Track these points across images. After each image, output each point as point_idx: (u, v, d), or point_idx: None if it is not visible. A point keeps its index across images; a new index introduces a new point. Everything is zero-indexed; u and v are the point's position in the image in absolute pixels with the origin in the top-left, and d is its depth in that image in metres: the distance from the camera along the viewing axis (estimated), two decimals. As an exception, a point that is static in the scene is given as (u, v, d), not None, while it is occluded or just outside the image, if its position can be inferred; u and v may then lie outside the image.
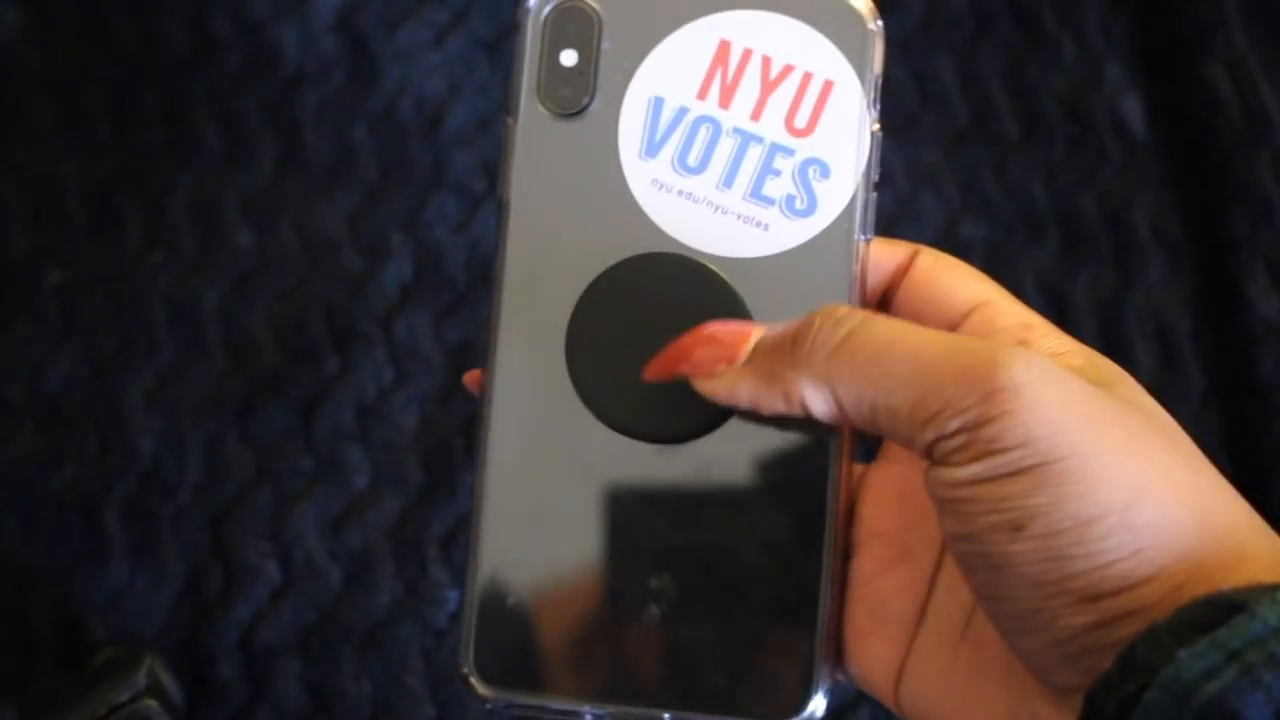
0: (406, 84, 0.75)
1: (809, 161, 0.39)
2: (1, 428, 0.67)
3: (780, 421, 0.38)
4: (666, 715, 0.37)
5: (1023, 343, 0.37)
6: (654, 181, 0.39)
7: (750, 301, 0.39)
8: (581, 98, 0.39)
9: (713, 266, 0.39)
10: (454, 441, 0.68)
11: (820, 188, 0.39)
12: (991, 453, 0.32)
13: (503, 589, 0.38)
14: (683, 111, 0.39)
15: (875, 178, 0.40)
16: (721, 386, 0.37)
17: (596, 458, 0.38)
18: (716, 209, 0.39)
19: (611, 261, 0.39)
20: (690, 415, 0.38)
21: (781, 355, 0.35)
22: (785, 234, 0.39)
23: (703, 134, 0.39)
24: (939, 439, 0.33)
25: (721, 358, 0.37)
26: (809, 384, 0.35)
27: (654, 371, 0.38)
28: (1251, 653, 0.29)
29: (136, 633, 0.65)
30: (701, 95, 0.39)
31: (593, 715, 0.38)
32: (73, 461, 0.67)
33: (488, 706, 0.38)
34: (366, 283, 0.71)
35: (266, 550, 0.66)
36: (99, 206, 0.72)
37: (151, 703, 0.59)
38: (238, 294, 0.70)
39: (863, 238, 0.39)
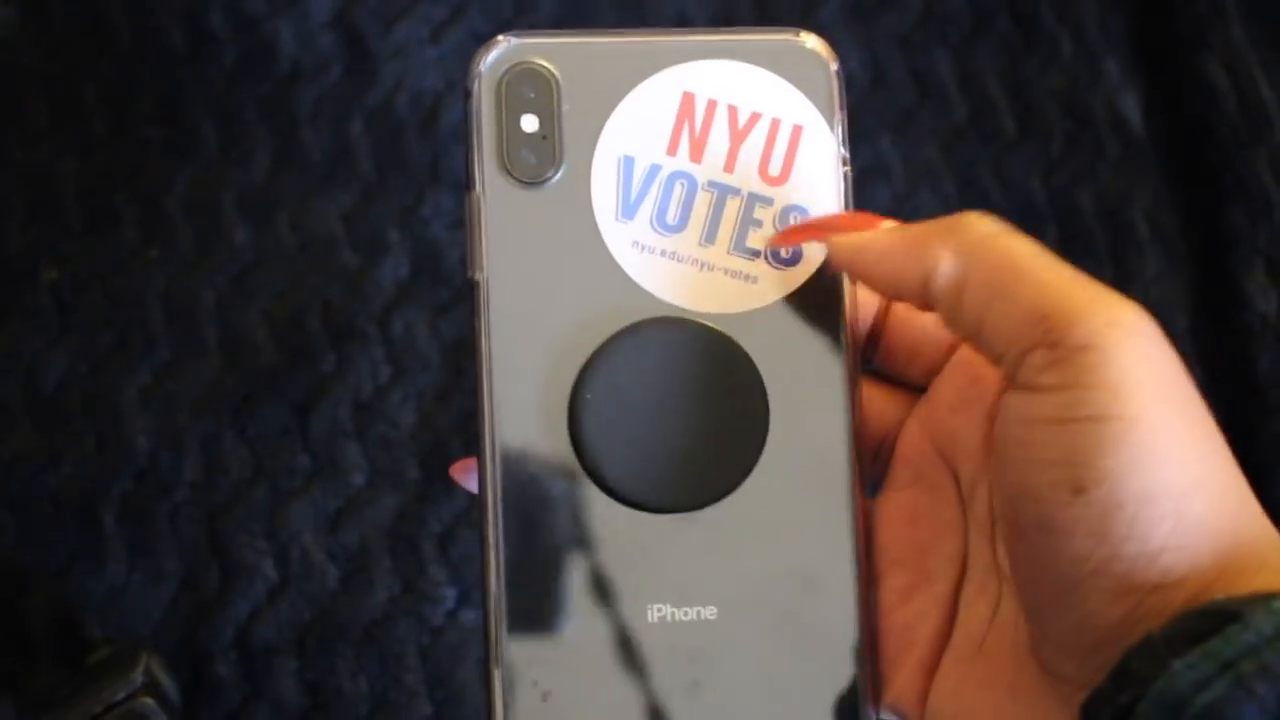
0: (403, 80, 0.75)
1: (789, 209, 0.39)
2: (-3, 426, 0.67)
3: (796, 475, 0.38)
4: None
5: None
6: (634, 244, 0.38)
7: (755, 354, 0.38)
8: (548, 165, 0.38)
9: (710, 324, 0.38)
10: (451, 439, 0.68)
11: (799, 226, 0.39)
12: (1079, 384, 0.32)
13: (526, 679, 0.37)
14: (655, 169, 0.38)
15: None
16: (854, 243, 0.37)
17: (610, 534, 0.37)
18: (702, 266, 0.38)
19: (604, 331, 0.38)
20: (704, 483, 0.37)
21: (927, 234, 0.35)
22: (774, 284, 0.38)
23: (678, 190, 0.38)
24: (1037, 346, 0.33)
25: (870, 221, 0.37)
26: (950, 257, 0.35)
27: (782, 238, 0.38)
28: (1245, 663, 0.29)
29: (133, 631, 0.64)
30: (671, 151, 0.38)
31: None
32: (69, 460, 0.67)
33: None
34: (363, 280, 0.71)
35: (263, 548, 0.66)
36: (95, 203, 0.71)
37: (148, 701, 0.59)
38: (234, 291, 0.70)
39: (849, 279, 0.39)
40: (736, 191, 0.39)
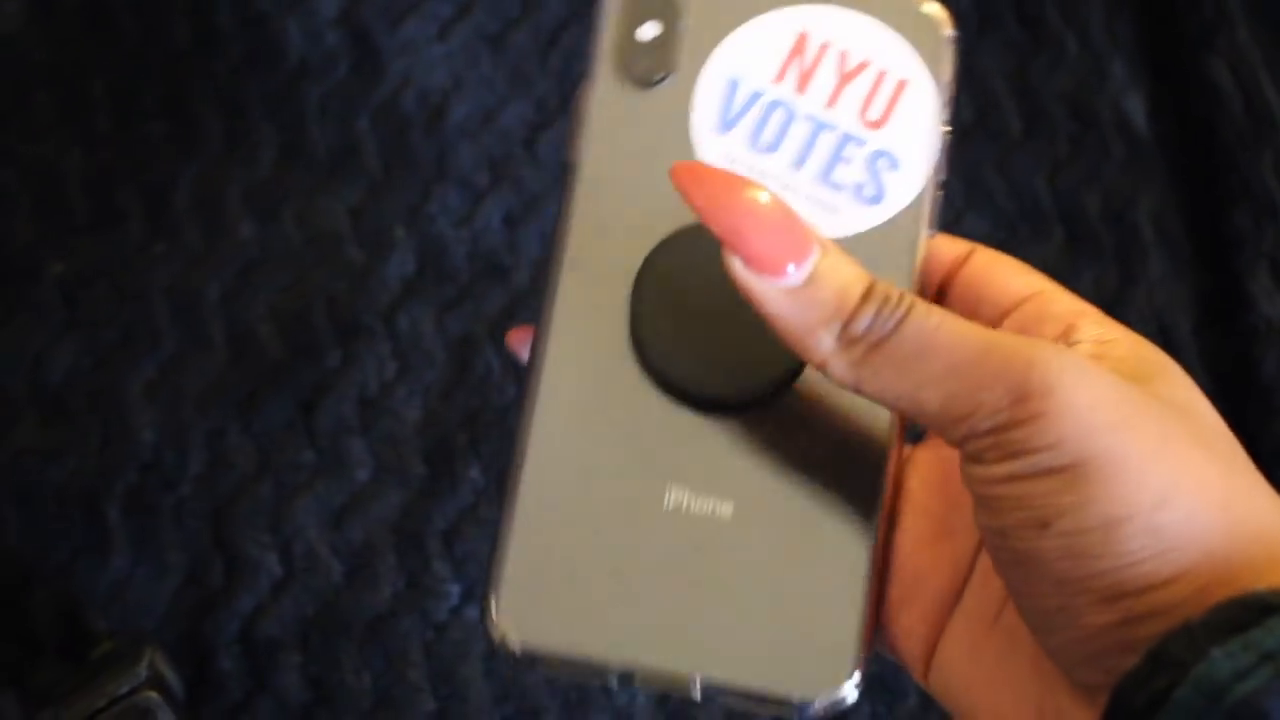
0: (410, 77, 0.75)
1: (879, 153, 0.40)
2: (2, 419, 0.67)
3: (840, 396, 0.38)
4: (698, 678, 0.36)
5: (1070, 329, 0.37)
6: (726, 156, 0.39)
7: None
8: (659, 71, 0.40)
9: None
10: (456, 435, 0.68)
11: (889, 179, 0.39)
12: (1022, 453, 0.32)
13: (537, 536, 0.37)
14: (758, 94, 0.40)
15: (942, 178, 0.40)
16: (756, 291, 0.34)
17: (648, 416, 0.38)
18: (787, 188, 0.39)
19: (681, 225, 0.39)
20: (753, 381, 0.38)
21: (824, 316, 0.34)
22: (854, 219, 0.39)
23: (777, 116, 0.39)
24: (970, 437, 0.33)
25: (775, 260, 0.34)
26: (841, 364, 0.34)
27: (695, 187, 0.35)
28: None
29: (137, 625, 0.64)
30: (778, 79, 0.40)
31: (619, 675, 0.36)
32: (74, 454, 0.67)
33: (513, 653, 0.36)
34: (369, 276, 0.71)
35: (267, 543, 0.66)
36: (101, 198, 0.71)
37: (152, 695, 0.59)
38: (240, 286, 0.70)
39: (927, 232, 0.39)
40: (833, 128, 0.39)
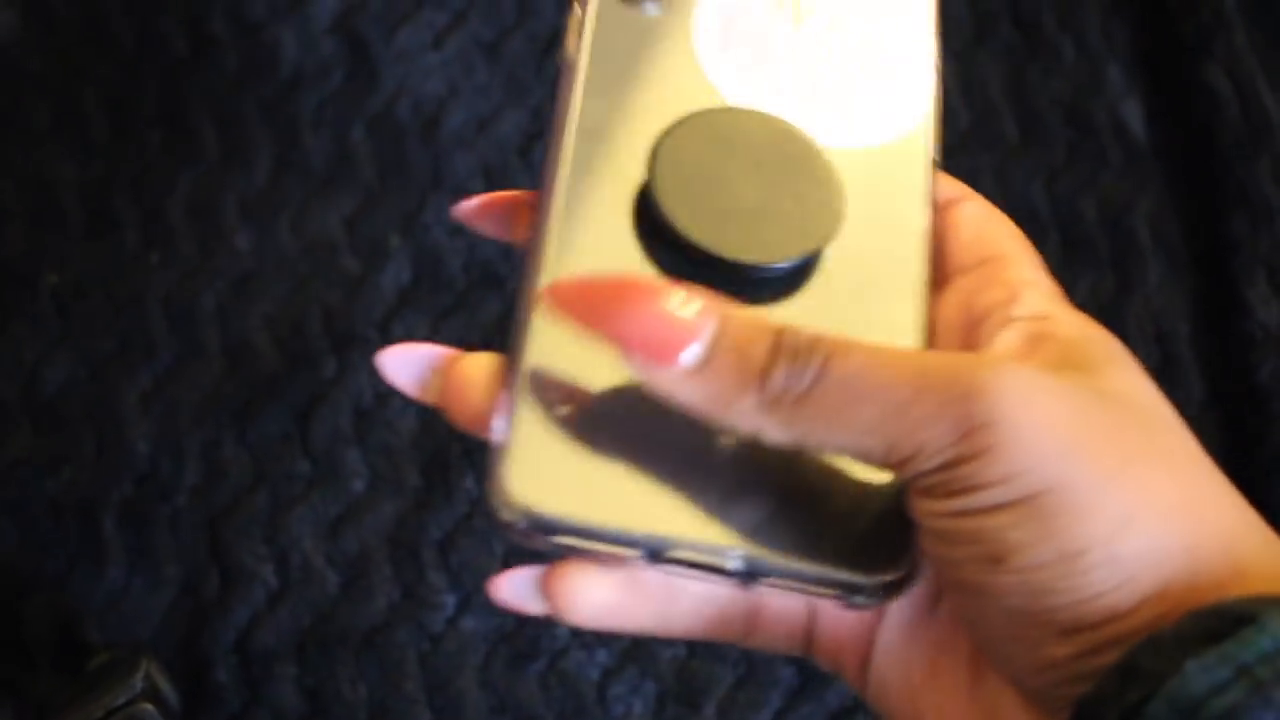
0: (405, 86, 0.75)
1: (885, 68, 0.39)
2: (-2, 430, 0.67)
3: (862, 272, 0.36)
4: (738, 553, 0.32)
5: (1011, 298, 0.35)
6: (731, 67, 0.39)
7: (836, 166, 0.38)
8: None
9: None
10: (452, 445, 0.68)
11: (896, 95, 0.39)
12: (971, 489, 0.31)
13: (550, 404, 0.33)
14: (762, 6, 0.40)
15: (940, 100, 0.40)
16: (660, 384, 0.32)
17: (672, 264, 0.36)
18: (794, 97, 0.39)
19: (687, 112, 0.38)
20: (782, 250, 0.36)
21: (736, 385, 0.32)
22: (863, 131, 0.39)
23: (781, 28, 0.39)
24: (917, 476, 0.31)
25: (664, 351, 0.31)
26: (772, 427, 0.32)
27: (572, 306, 0.33)
28: (1261, 669, 0.28)
29: (133, 636, 0.64)
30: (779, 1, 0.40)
31: (646, 551, 0.32)
32: (69, 464, 0.67)
33: (519, 526, 0.32)
34: (364, 285, 0.71)
35: (263, 554, 0.66)
36: (96, 208, 0.71)
37: (148, 706, 0.59)
38: (235, 297, 0.70)
39: (934, 147, 0.39)
40: (838, 40, 0.39)
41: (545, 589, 0.35)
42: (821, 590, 0.33)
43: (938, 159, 0.39)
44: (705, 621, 0.36)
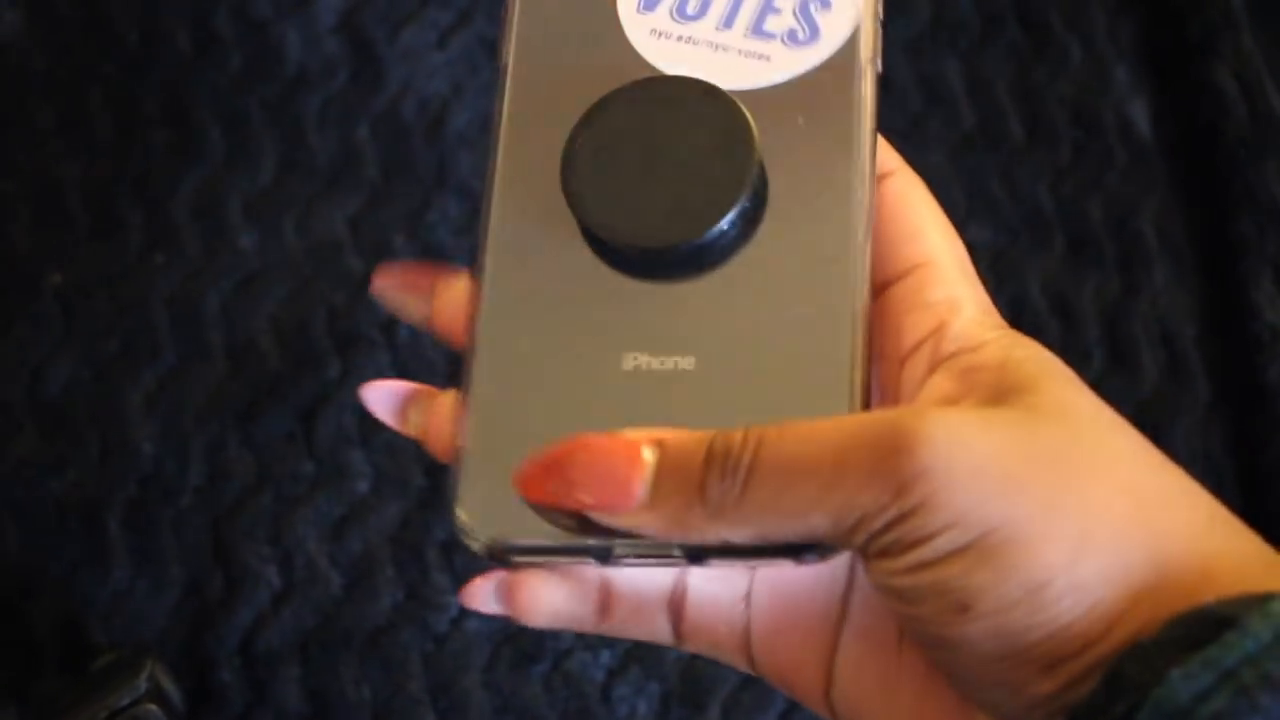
0: (410, 85, 0.75)
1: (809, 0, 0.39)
2: (1, 431, 0.67)
3: (796, 244, 0.37)
4: (677, 550, 0.34)
5: (940, 329, 0.35)
6: (652, 31, 0.39)
7: (759, 125, 0.37)
8: None
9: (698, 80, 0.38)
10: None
11: (823, 18, 0.39)
12: (922, 541, 0.31)
13: (495, 425, 0.36)
14: None
15: (882, 15, 0.39)
16: (629, 526, 0.33)
17: (593, 282, 0.37)
18: (717, 48, 0.39)
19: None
20: (681, 220, 0.36)
21: (685, 503, 0.32)
22: (787, 63, 0.38)
23: None
24: (868, 541, 0.31)
25: (619, 500, 0.33)
26: (729, 530, 0.32)
27: (534, 492, 0.34)
28: (1245, 672, 0.28)
29: (137, 637, 0.64)
30: None
31: (596, 556, 0.35)
32: (73, 465, 0.67)
33: (483, 553, 0.35)
34: (369, 285, 0.71)
35: (267, 555, 0.66)
36: (100, 208, 0.71)
37: (152, 707, 0.59)
38: (240, 297, 0.70)
39: (874, 69, 0.38)
40: None
41: (504, 596, 0.37)
42: (761, 559, 0.34)
43: (880, 70, 0.39)
44: (638, 623, 0.38)
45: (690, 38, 0.39)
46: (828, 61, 0.38)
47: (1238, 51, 0.76)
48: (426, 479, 0.68)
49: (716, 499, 0.32)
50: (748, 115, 0.37)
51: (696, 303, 0.36)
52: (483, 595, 0.38)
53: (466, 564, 0.66)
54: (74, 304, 0.70)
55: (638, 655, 0.66)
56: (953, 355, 0.35)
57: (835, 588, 0.37)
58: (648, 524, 0.33)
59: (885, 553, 0.31)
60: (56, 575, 0.65)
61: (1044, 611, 0.30)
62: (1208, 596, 0.30)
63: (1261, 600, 0.29)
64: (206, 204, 0.72)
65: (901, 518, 0.31)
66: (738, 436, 0.32)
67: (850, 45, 0.38)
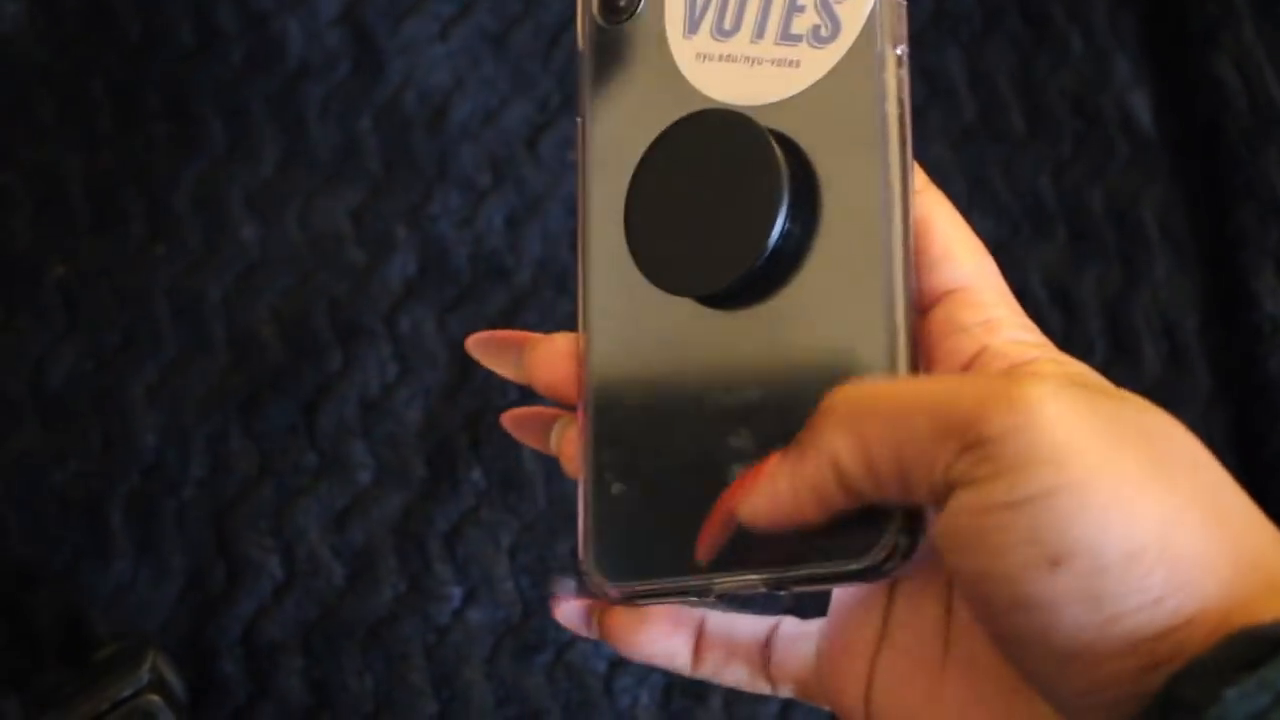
0: (411, 77, 0.75)
1: None
2: (3, 423, 0.67)
3: (829, 270, 0.37)
4: (761, 577, 0.37)
5: (980, 354, 0.35)
6: (699, 55, 0.40)
7: (797, 139, 0.38)
8: (633, 4, 0.41)
9: (747, 114, 0.39)
10: (458, 437, 0.68)
11: (842, 9, 0.39)
12: (1015, 469, 0.30)
13: (609, 479, 0.39)
14: None
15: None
16: (762, 497, 0.35)
17: (664, 327, 0.39)
18: (753, 62, 0.39)
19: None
20: (724, 265, 0.38)
21: (804, 451, 0.34)
22: (814, 65, 0.39)
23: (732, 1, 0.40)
24: (962, 452, 0.31)
25: (748, 483, 0.36)
26: (840, 443, 0.33)
27: (707, 549, 0.37)
28: None
29: (139, 628, 0.64)
30: None
31: (696, 595, 0.38)
32: (75, 457, 0.67)
33: (609, 596, 0.39)
34: (370, 277, 0.71)
35: (269, 546, 0.66)
36: (102, 200, 0.71)
37: (154, 698, 0.59)
38: (241, 289, 0.70)
39: (897, 50, 0.38)
40: None
41: (603, 626, 0.41)
42: (833, 579, 0.37)
43: (900, 50, 0.38)
44: (730, 666, 0.41)
45: (729, 55, 0.39)
46: (849, 53, 0.38)
47: (1239, 43, 0.76)
48: (428, 470, 0.68)
49: (820, 422, 0.34)
50: (772, 145, 0.38)
51: (759, 333, 0.38)
52: (572, 615, 0.41)
53: (468, 555, 0.67)
54: (76, 296, 0.70)
55: (639, 646, 0.66)
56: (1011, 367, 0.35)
57: (877, 605, 0.38)
58: (776, 483, 0.35)
59: (970, 477, 0.31)
60: (58, 566, 0.65)
61: (1136, 581, 0.30)
62: (1267, 614, 0.30)
63: None
64: (208, 196, 0.72)
65: (1002, 436, 0.30)
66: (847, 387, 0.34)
67: (868, 32, 0.38)
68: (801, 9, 0.39)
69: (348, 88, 0.74)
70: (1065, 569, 0.30)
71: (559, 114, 0.75)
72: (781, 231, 0.37)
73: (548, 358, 0.40)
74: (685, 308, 0.39)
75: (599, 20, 0.41)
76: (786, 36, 0.39)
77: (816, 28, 0.39)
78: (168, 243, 0.71)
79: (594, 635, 0.41)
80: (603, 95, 0.41)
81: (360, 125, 0.74)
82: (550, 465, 0.68)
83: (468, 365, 0.69)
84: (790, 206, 0.37)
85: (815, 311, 0.37)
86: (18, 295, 0.69)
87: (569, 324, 0.70)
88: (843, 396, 0.34)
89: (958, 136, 0.75)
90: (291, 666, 0.64)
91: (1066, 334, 0.72)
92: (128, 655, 0.60)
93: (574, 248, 0.41)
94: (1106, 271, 0.74)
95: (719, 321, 0.38)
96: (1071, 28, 0.78)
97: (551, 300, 0.71)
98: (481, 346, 0.42)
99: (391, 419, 0.68)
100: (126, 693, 0.59)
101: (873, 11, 0.38)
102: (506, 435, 0.68)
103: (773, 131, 0.38)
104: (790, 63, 0.39)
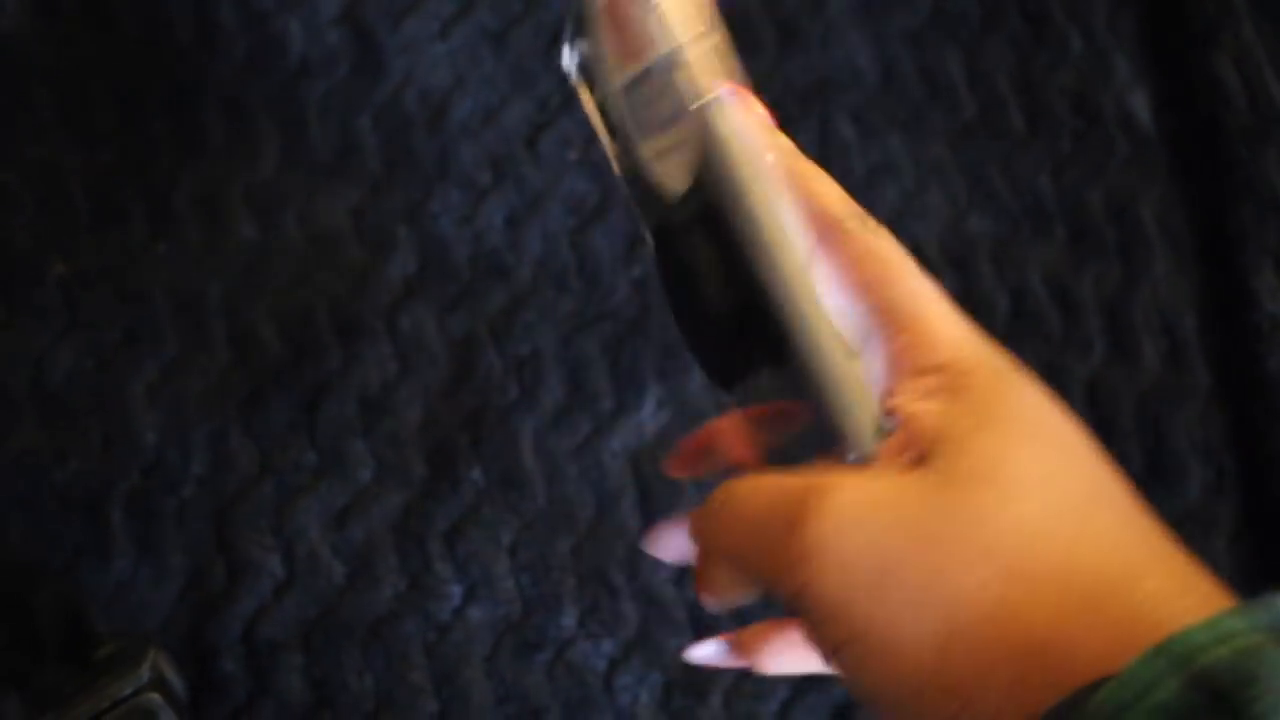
0: (411, 76, 0.75)
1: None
2: (4, 421, 0.67)
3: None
4: None
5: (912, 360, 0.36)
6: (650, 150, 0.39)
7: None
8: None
9: None
10: (458, 435, 0.68)
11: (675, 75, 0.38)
12: (812, 625, 0.32)
13: None
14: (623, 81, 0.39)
15: (710, 33, 0.38)
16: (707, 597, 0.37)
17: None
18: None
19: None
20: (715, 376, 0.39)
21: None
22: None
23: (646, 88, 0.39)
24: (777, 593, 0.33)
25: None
26: (719, 572, 0.36)
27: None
28: None
29: (140, 627, 0.65)
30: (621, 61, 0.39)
31: None
32: (76, 455, 0.67)
33: None
34: (370, 276, 0.71)
35: (270, 544, 0.66)
36: (103, 198, 0.71)
37: (155, 697, 0.59)
38: (242, 287, 0.70)
39: (717, 90, 0.37)
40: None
41: (739, 652, 0.42)
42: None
43: (736, 84, 0.38)
44: None
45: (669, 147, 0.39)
46: (689, 115, 0.37)
47: (1238, 42, 0.76)
48: (428, 469, 0.68)
49: (701, 542, 0.36)
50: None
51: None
52: (709, 653, 0.43)
53: (468, 553, 0.67)
54: (76, 294, 0.70)
55: (640, 646, 0.66)
56: (930, 372, 0.35)
57: None
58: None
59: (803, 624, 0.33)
60: (59, 565, 0.65)
61: (926, 712, 0.31)
62: (1066, 684, 0.29)
63: (1093, 689, 0.29)
64: (208, 194, 0.72)
65: (795, 598, 0.32)
66: (723, 491, 0.35)
67: (682, 80, 0.37)
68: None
69: (348, 86, 0.74)
70: (874, 705, 0.32)
71: (559, 113, 0.75)
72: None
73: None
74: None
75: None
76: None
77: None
78: (168, 241, 0.71)
79: (738, 664, 0.42)
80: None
81: (360, 124, 0.74)
82: (550, 464, 0.68)
83: (468, 363, 0.69)
84: None
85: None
86: (18, 294, 0.69)
87: (569, 322, 0.70)
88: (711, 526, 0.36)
89: (957, 135, 0.75)
90: (292, 665, 0.65)
91: (1065, 332, 0.72)
92: (128, 654, 0.60)
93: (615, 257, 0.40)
94: (1106, 270, 0.74)
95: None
96: (1071, 27, 0.78)
97: (551, 298, 0.71)
98: (679, 468, 0.43)
99: (391, 418, 0.68)
100: (127, 691, 0.59)
101: (679, 49, 0.38)
102: (506, 433, 0.68)
103: None
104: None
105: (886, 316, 0.35)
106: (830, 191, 0.37)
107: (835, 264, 0.36)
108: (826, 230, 0.36)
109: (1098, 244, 0.74)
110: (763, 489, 0.34)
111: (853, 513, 0.32)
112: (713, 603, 0.36)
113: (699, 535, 0.36)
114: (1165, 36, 0.78)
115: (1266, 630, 0.28)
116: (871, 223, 0.37)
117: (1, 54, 0.74)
